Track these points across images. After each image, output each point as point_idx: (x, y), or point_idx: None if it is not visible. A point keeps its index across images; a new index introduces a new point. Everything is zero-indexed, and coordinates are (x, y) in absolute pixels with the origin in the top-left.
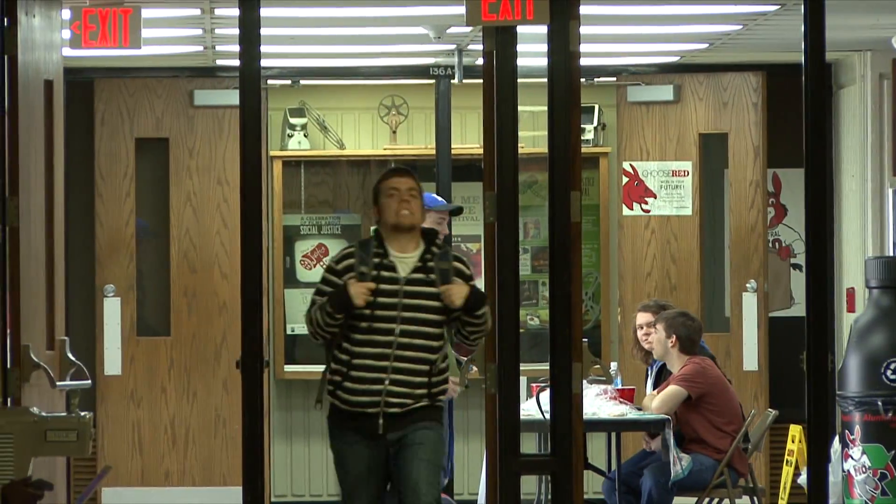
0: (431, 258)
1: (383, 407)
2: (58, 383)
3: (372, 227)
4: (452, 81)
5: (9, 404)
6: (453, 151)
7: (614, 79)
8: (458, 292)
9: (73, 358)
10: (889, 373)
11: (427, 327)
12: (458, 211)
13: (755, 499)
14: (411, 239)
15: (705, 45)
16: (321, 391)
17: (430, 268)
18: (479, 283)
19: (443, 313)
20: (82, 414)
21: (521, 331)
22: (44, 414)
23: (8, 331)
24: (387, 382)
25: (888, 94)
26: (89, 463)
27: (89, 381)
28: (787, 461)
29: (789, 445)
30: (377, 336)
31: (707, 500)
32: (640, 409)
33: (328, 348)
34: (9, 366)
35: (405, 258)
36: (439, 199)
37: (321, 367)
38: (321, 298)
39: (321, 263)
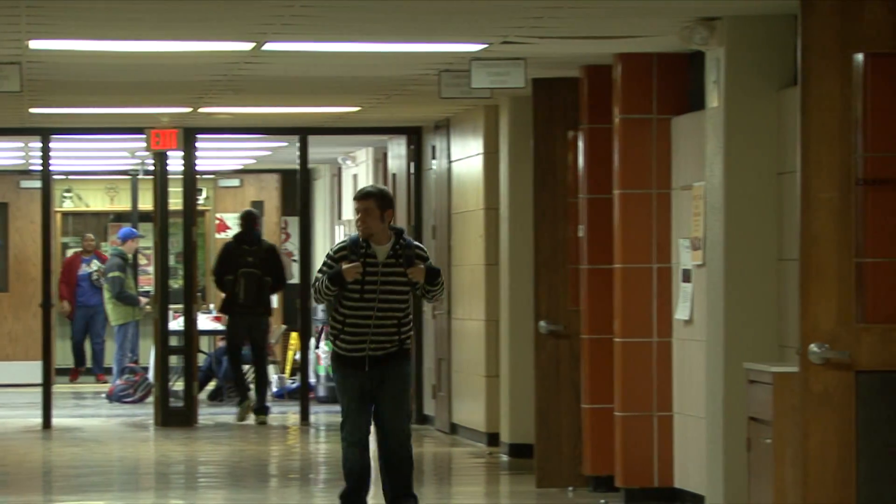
0: (399, 248)
1: (368, 353)
2: None
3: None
4: (138, 176)
5: None
6: (140, 207)
7: (214, 175)
8: (418, 273)
9: None
10: None
11: (397, 295)
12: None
13: (277, 366)
14: (382, 237)
15: (253, 161)
16: (326, 339)
17: (399, 254)
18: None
19: (408, 284)
20: None
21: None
22: None
23: None
24: (370, 335)
25: (334, 185)
26: None
27: None
28: (290, 347)
29: (292, 341)
30: (365, 302)
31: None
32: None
33: (329, 310)
34: None
35: (381, 249)
36: (134, 230)
37: None
38: (322, 276)
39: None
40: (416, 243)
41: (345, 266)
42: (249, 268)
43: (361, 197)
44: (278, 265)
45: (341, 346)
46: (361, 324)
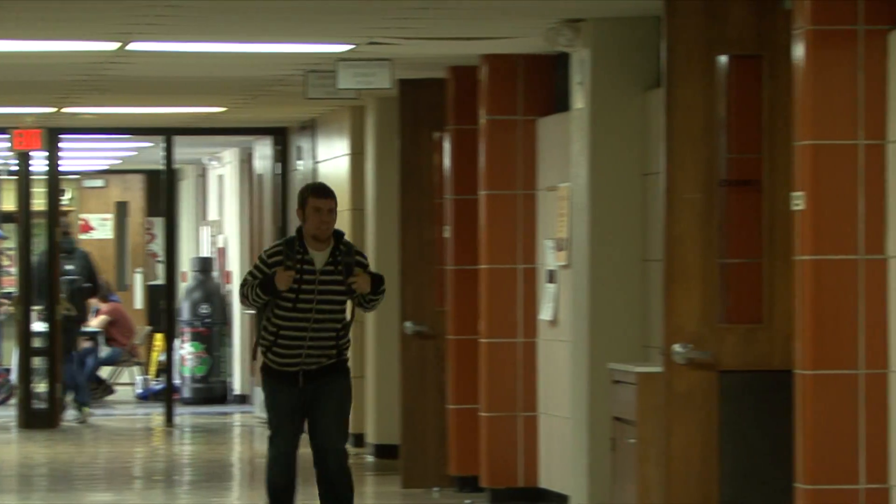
0: (339, 254)
1: (302, 367)
2: None
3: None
4: (1, 177)
5: None
6: (3, 207)
7: (78, 176)
8: (363, 283)
9: None
10: (200, 310)
11: (335, 305)
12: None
13: (142, 367)
14: (324, 240)
15: (118, 161)
16: (255, 350)
17: (339, 261)
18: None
19: (346, 294)
20: None
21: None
22: None
23: None
24: (306, 348)
25: (199, 186)
26: None
27: None
28: (153, 348)
29: (157, 342)
30: (300, 313)
31: (119, 369)
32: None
33: (259, 317)
34: None
35: (319, 254)
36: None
37: None
38: (252, 280)
39: None
40: (356, 249)
41: (278, 273)
42: (70, 275)
43: (326, 194)
44: (93, 270)
45: (273, 359)
46: (296, 336)
